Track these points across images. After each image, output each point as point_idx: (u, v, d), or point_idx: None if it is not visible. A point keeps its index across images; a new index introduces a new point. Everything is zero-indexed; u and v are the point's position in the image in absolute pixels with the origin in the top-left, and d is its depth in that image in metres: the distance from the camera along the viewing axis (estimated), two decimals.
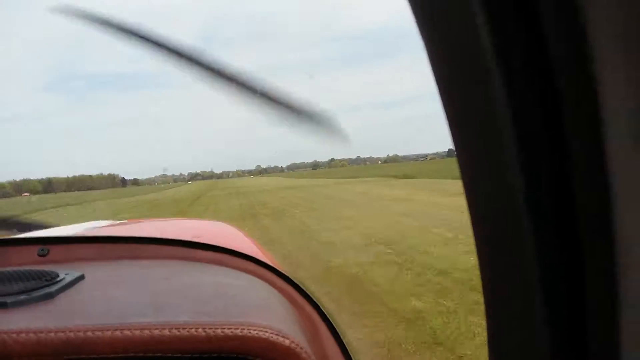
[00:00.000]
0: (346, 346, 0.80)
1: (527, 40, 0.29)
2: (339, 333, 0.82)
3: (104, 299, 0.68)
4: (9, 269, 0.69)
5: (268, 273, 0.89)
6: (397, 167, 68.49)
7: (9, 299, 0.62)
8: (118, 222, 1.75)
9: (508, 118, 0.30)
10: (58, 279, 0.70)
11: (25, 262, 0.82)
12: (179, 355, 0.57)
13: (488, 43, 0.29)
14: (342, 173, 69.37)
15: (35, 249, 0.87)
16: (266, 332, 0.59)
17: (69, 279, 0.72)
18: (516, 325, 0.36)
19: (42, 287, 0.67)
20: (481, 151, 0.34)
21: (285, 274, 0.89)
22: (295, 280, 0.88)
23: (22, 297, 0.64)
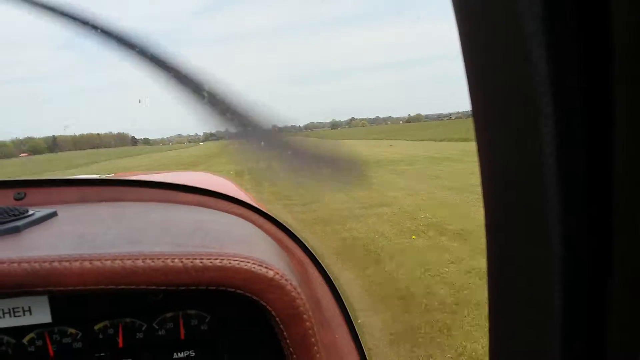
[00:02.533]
0: (339, 292, 0.77)
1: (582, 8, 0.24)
2: (332, 279, 0.78)
3: (75, 233, 0.65)
4: None
5: (256, 216, 0.84)
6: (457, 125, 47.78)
7: None
8: (104, 175, 1.64)
9: (547, 101, 0.25)
10: (27, 214, 0.68)
11: None
12: (153, 287, 0.54)
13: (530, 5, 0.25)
14: (412, 134, 44.20)
15: (11, 193, 0.84)
16: (248, 262, 0.56)
17: (39, 214, 0.70)
18: (528, 331, 0.31)
19: (8, 222, 0.64)
20: (507, 128, 0.29)
21: (277, 218, 0.85)
22: (286, 225, 0.83)
23: None
